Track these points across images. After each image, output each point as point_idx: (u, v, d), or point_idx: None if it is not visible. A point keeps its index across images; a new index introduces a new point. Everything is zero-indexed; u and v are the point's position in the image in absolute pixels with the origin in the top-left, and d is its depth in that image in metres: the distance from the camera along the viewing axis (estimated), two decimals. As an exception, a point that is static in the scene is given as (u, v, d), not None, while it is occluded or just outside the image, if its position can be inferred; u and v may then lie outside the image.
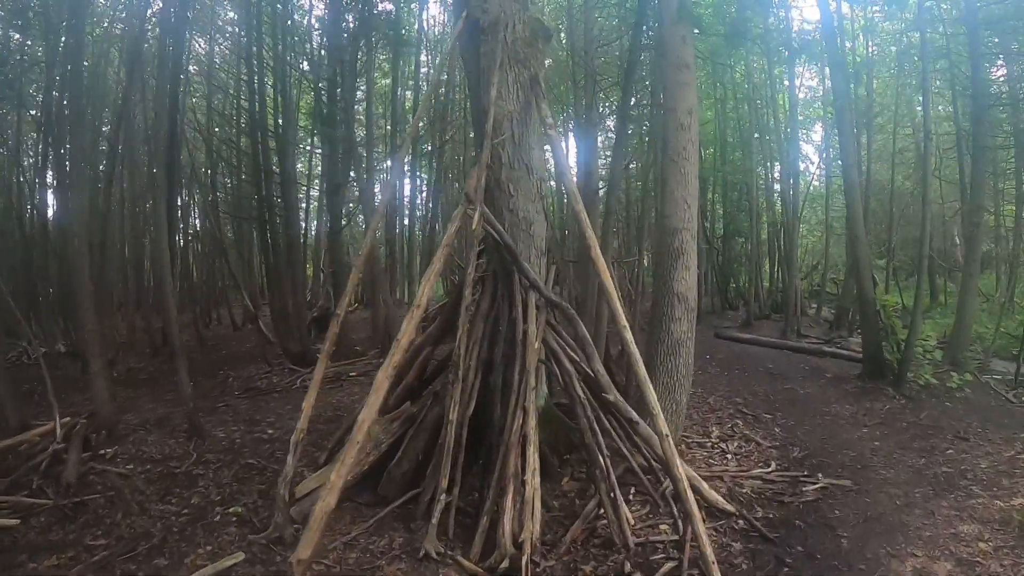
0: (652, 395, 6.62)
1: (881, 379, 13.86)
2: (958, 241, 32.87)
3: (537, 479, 6.98)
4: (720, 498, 7.42)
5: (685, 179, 9.61)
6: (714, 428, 10.93)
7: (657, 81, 16.57)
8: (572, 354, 8.20)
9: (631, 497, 7.96)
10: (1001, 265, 29.64)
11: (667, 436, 6.39)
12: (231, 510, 7.81)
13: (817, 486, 8.46)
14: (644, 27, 14.61)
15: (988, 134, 17.60)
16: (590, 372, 7.95)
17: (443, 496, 7.16)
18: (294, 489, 7.64)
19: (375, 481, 8.08)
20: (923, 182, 15.69)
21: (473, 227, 7.98)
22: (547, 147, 10.11)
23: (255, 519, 7.61)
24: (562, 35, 22.57)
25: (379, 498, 7.93)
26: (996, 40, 18.68)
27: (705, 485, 7.43)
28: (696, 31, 11.15)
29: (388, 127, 26.71)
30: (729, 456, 9.61)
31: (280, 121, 19.54)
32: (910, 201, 30.83)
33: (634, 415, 7.50)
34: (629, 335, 6.93)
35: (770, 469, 9.04)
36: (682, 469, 6.43)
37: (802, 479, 8.71)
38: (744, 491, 8.30)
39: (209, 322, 25.95)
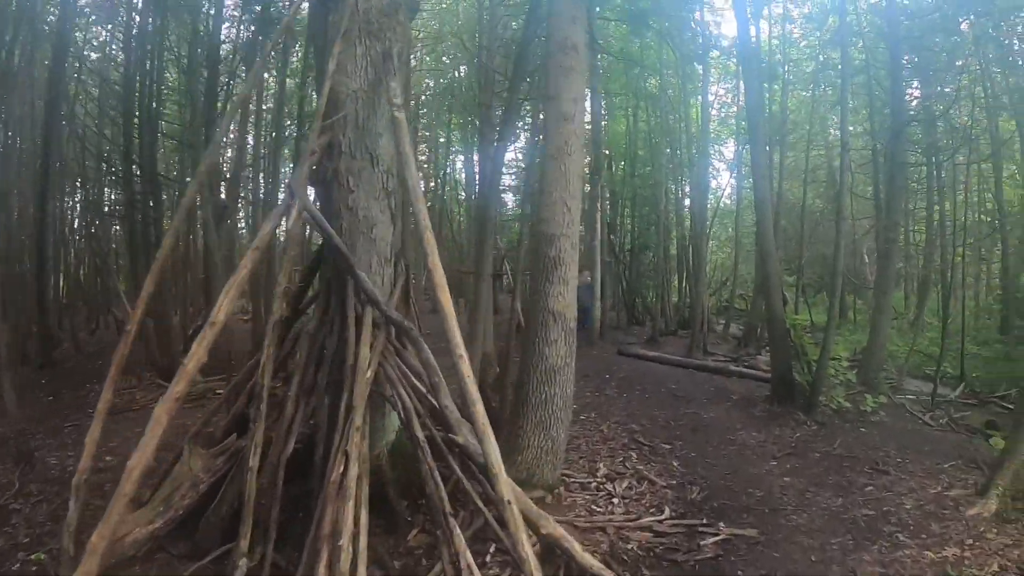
0: (493, 450, 5.20)
1: (791, 402, 12.79)
2: (867, 259, 32.69)
3: (362, 540, 5.51)
4: (595, 562, 5.84)
5: (566, 178, 8.16)
6: (603, 463, 9.45)
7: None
8: (418, 384, 6.71)
9: (488, 559, 6.46)
10: (910, 283, 29.55)
11: (510, 503, 4.92)
12: (33, 556, 6.49)
13: (717, 538, 7.15)
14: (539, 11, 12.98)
15: (905, 150, 17.42)
16: (436, 406, 6.34)
17: (243, 561, 5.63)
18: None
19: (194, 527, 6.55)
20: (838, 197, 14.98)
21: (288, 225, 6.67)
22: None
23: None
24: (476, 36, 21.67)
25: (196, 549, 6.42)
26: (915, 59, 18.86)
27: (578, 546, 5.88)
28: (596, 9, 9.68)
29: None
30: (616, 500, 8.16)
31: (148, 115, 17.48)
32: (820, 219, 30.72)
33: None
34: (466, 367, 5.44)
35: (663, 516, 7.66)
36: (529, 547, 4.89)
37: (700, 529, 7.38)
38: (630, 547, 6.91)
39: (96, 328, 23.54)
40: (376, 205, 7.27)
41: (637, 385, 14.94)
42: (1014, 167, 26.77)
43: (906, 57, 17.38)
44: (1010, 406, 16.32)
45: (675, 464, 9.57)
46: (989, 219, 25.82)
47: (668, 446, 10.47)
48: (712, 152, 30.52)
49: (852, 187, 25.89)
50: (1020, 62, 21.85)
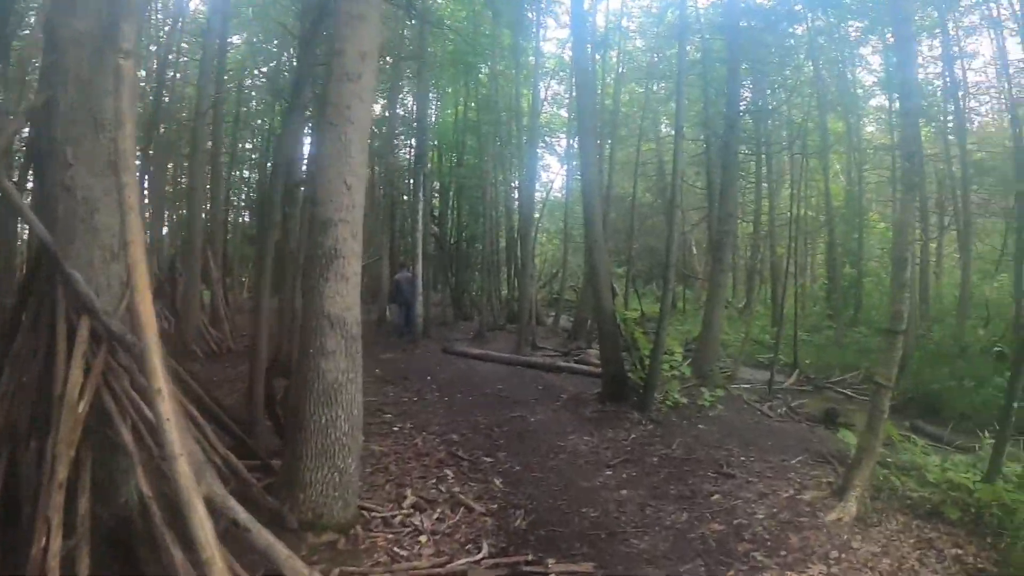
0: (200, 519, 3.56)
1: (624, 400, 11.86)
2: (695, 250, 32.88)
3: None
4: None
5: (346, 150, 6.52)
6: (413, 488, 7.87)
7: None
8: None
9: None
10: (738, 274, 29.86)
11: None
12: None
13: (546, 581, 5.78)
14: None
15: (739, 140, 17.60)
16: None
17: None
18: None
19: None
20: (672, 185, 13.89)
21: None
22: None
23: None
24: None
25: None
26: (752, 56, 18.48)
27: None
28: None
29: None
30: (425, 537, 6.62)
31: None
32: (650, 212, 30.46)
33: (241, 513, 4.40)
34: (165, 406, 3.84)
35: (480, 556, 6.21)
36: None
37: (525, 568, 5.98)
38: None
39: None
40: (100, 184, 5.43)
41: (461, 387, 13.65)
42: (838, 165, 27.72)
43: (743, 56, 17.15)
44: (844, 391, 16.16)
45: (497, 482, 8.20)
46: (814, 214, 26.43)
47: (490, 459, 9.13)
48: (544, 144, 29.97)
49: (683, 179, 25.94)
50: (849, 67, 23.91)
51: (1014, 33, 20.35)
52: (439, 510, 7.19)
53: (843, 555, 6.10)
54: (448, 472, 8.45)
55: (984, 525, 6.69)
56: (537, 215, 27.50)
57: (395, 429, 10.26)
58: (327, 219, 6.43)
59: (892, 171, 23.92)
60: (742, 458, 9.19)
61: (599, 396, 12.29)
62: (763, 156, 23.59)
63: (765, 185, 24.82)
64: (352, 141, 6.55)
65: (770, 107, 20.81)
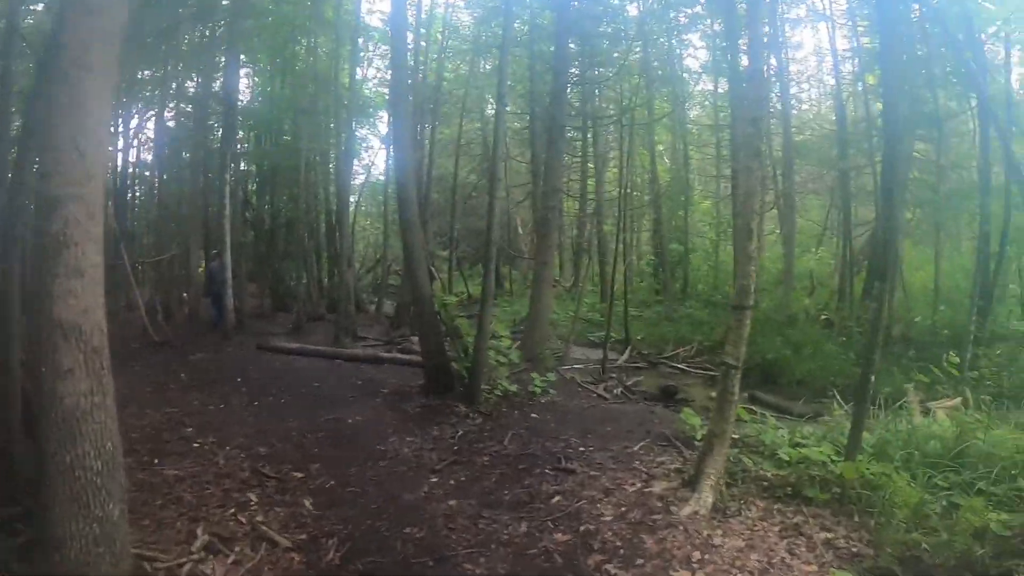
0: None
1: (450, 392, 10.89)
2: (520, 230, 32.27)
3: None
4: None
5: (81, 105, 4.84)
6: (208, 521, 6.33)
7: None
8: None
9: None
10: (564, 252, 29.59)
11: None
12: None
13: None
14: None
15: (565, 114, 17.09)
16: None
17: None
18: None
19: None
20: (493, 154, 13.03)
21: None
22: None
23: None
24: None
25: None
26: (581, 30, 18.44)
27: None
28: None
29: None
30: (215, 587, 5.26)
31: None
32: (474, 193, 29.48)
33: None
34: None
35: (277, 609, 4.90)
36: None
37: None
38: None
39: None
40: None
41: (274, 387, 12.00)
42: (662, 147, 27.93)
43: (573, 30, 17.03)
44: (679, 366, 15.91)
45: (308, 504, 6.88)
46: (639, 193, 26.54)
47: (301, 474, 7.75)
48: (367, 124, 28.72)
49: (508, 155, 25.39)
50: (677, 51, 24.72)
51: (841, 25, 22.10)
52: (237, 549, 5.78)
53: (707, 556, 5.44)
54: (252, 496, 7.01)
55: (850, 504, 6.29)
56: (357, 197, 26.59)
57: (195, 445, 8.60)
58: (54, 196, 4.75)
59: (716, 150, 24.56)
60: (581, 448, 8.49)
61: (422, 389, 11.25)
62: (589, 131, 23.34)
63: (592, 167, 24.64)
64: (90, 94, 4.94)
65: (598, 80, 20.66)
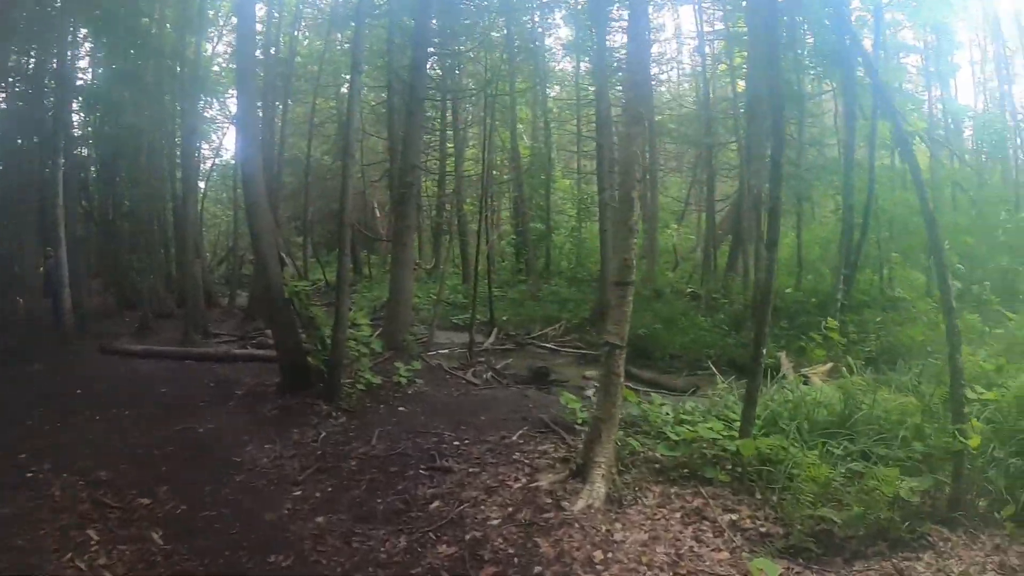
0: None
1: (309, 389, 9.88)
2: (378, 212, 31.24)
3: None
4: None
5: None
6: (40, 571, 5.19)
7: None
8: None
9: None
10: (424, 234, 28.80)
11: None
12: None
13: None
14: None
15: (425, 87, 16.32)
16: None
17: None
18: None
19: None
20: (347, 125, 11.73)
21: None
22: None
23: None
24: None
25: None
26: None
27: None
28: None
29: None
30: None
31: None
32: (329, 174, 28.05)
33: None
34: None
35: None
36: None
37: None
38: None
39: None
40: None
41: (117, 397, 10.36)
42: (521, 126, 27.57)
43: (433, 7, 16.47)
44: (547, 345, 15.62)
45: (157, 538, 5.72)
46: (497, 172, 26.27)
47: (148, 501, 6.54)
48: (217, 103, 27.04)
49: (363, 131, 24.43)
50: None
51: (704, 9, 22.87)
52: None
53: (609, 554, 4.99)
54: (92, 533, 5.74)
55: (749, 481, 6.09)
56: (206, 182, 25.60)
57: (29, 475, 7.29)
58: None
59: (577, 127, 24.42)
60: (456, 443, 7.93)
61: (279, 387, 10.23)
62: (449, 108, 22.77)
63: (451, 145, 24.03)
64: None
65: (459, 53, 20.21)
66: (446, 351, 14.68)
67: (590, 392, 10.16)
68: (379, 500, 6.41)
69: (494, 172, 25.14)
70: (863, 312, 15.00)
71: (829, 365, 11.90)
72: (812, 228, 20.23)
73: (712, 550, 5.02)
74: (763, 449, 6.10)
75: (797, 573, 4.73)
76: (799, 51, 16.58)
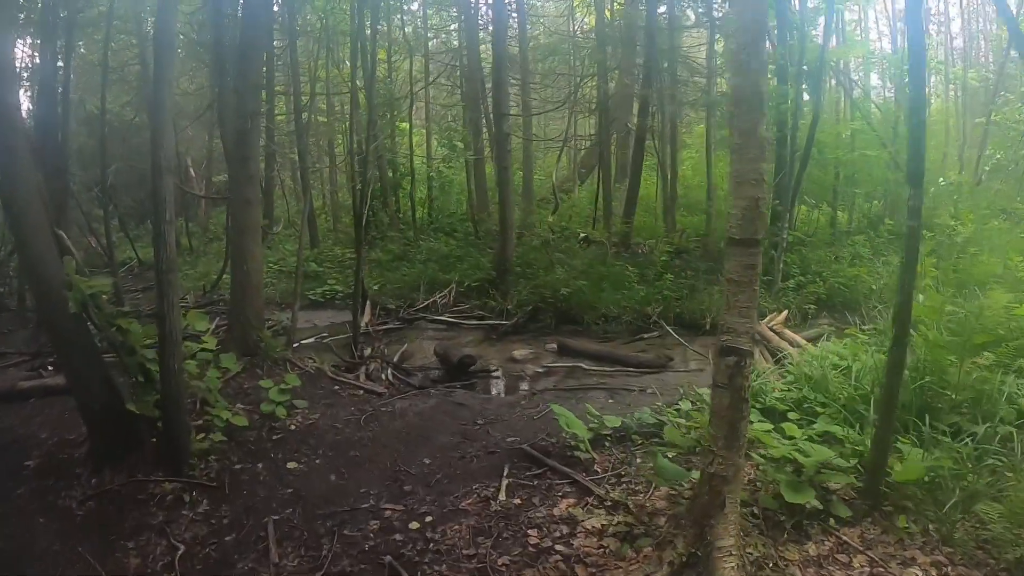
0: None
1: (138, 449, 5.74)
2: (192, 172, 25.90)
3: None
4: None
5: None
6: None
7: None
8: None
9: None
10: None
11: None
12: None
13: None
14: None
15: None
16: None
17: None
18: None
19: None
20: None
21: None
22: None
23: None
24: None
25: None
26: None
27: None
28: None
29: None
30: None
31: None
32: (136, 131, 21.87)
33: None
34: None
35: None
36: None
37: None
38: None
39: None
40: None
41: None
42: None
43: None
44: (443, 317, 12.40)
45: None
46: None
47: None
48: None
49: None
50: None
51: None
52: None
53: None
54: None
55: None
56: None
57: None
58: None
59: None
60: (414, 527, 4.70)
61: (90, 453, 5.90)
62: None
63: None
64: None
65: None
66: (310, 339, 11.01)
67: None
68: None
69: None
70: (800, 251, 13.44)
71: (784, 313, 10.60)
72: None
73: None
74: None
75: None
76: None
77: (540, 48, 23.39)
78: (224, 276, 13.81)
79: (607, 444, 5.88)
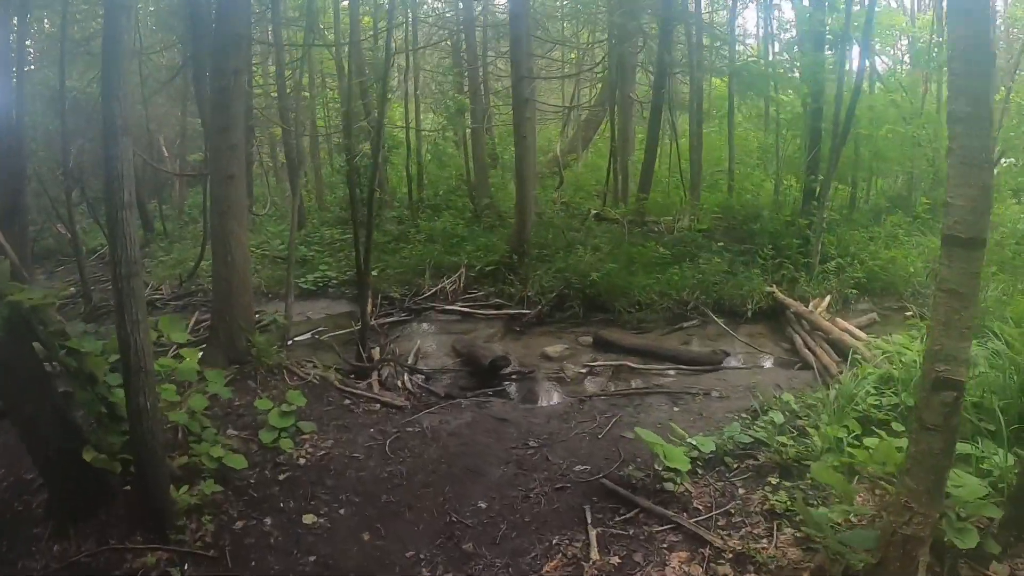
0: None
1: (106, 504, 4.38)
2: (165, 151, 24.10)
3: None
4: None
5: None
6: None
7: None
8: None
9: None
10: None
11: None
12: None
13: None
14: None
15: None
16: None
17: None
18: None
19: None
20: None
21: None
22: None
23: None
24: None
25: None
26: None
27: None
28: None
29: None
30: None
31: None
32: (90, 104, 20.00)
33: None
34: None
35: None
36: None
37: None
38: None
39: None
40: None
41: None
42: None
43: None
44: (459, 308, 11.40)
45: None
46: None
47: None
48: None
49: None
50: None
51: None
52: None
53: None
54: None
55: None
56: None
57: None
58: None
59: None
60: None
61: (50, 507, 4.48)
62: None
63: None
64: None
65: None
66: (305, 335, 9.69)
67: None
68: None
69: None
70: (838, 231, 12.45)
71: (828, 298, 10.11)
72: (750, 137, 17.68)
73: None
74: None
75: None
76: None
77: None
78: (203, 263, 12.38)
79: (699, 471, 4.78)
